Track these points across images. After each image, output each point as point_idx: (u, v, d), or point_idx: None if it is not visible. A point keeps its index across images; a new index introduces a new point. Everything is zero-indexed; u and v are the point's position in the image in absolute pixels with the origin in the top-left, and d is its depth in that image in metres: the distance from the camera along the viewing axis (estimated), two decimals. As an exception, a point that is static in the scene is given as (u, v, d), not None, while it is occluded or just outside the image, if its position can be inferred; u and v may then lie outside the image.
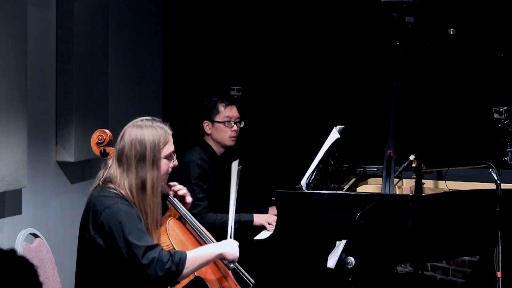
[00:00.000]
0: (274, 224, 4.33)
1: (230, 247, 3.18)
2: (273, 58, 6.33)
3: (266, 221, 4.38)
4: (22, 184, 4.03)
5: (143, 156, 3.08)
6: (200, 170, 4.32)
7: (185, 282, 3.09)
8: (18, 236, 3.35)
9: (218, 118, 4.42)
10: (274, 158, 6.34)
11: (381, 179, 4.32)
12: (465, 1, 5.31)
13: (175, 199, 3.34)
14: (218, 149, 4.47)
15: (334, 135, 4.16)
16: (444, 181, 4.44)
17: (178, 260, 2.98)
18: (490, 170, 3.98)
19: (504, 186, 3.99)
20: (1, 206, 4.02)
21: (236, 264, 3.30)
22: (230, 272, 3.31)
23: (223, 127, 4.42)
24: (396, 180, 4.42)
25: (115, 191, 3.07)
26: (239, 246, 3.24)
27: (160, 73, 6.01)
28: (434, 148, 4.89)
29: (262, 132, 6.25)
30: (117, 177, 3.09)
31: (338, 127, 4.23)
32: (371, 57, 5.84)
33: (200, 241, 3.29)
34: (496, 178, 3.94)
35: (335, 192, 4.04)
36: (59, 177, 4.62)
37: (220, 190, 4.47)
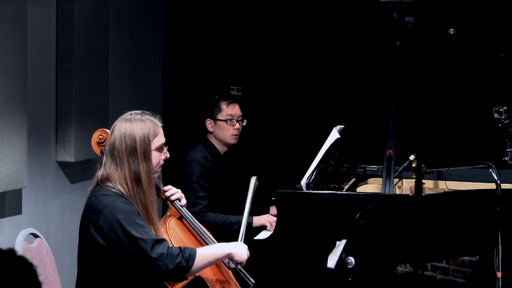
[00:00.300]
0: (273, 224, 4.33)
1: (239, 249, 3.20)
2: (273, 58, 6.33)
3: (267, 220, 4.38)
4: (22, 184, 4.03)
5: (134, 149, 3.09)
6: (202, 168, 4.32)
7: (185, 282, 3.09)
8: (18, 236, 3.35)
9: (220, 116, 4.41)
10: (274, 158, 6.34)
11: (381, 179, 4.32)
12: (465, 1, 5.31)
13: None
14: (221, 148, 4.46)
15: (334, 135, 4.16)
16: (444, 181, 4.44)
17: (188, 256, 3.00)
18: (490, 170, 3.98)
19: (504, 186, 3.99)
20: (1, 206, 4.02)
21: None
22: (230, 272, 3.32)
23: (226, 125, 4.41)
24: (396, 180, 4.42)
25: (114, 190, 3.08)
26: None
27: (160, 73, 6.01)
28: (434, 148, 4.89)
29: (262, 132, 6.24)
30: (113, 172, 3.10)
31: (338, 127, 4.23)
32: (371, 57, 5.84)
33: (201, 241, 3.29)
34: (496, 178, 3.94)
35: (335, 192, 4.04)
36: (59, 177, 4.62)
37: (223, 188, 4.47)
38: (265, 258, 3.95)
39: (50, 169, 4.53)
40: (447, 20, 4.77)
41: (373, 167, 4.79)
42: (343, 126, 4.29)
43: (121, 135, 3.11)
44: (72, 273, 3.25)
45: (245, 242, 3.77)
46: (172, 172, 3.34)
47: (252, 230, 4.33)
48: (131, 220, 2.99)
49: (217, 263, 3.27)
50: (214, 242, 3.31)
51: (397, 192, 4.43)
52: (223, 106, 4.42)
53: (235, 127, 4.42)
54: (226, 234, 4.20)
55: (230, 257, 3.18)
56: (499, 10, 5.21)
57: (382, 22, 4.95)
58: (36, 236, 3.49)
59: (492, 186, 3.97)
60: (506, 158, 4.33)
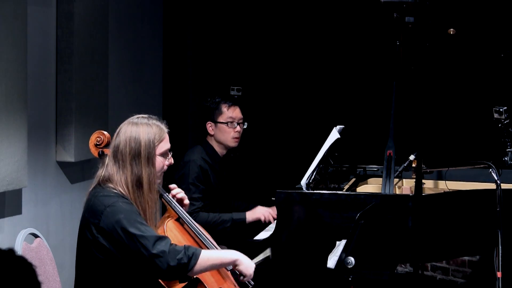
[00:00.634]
0: (270, 217, 4.33)
1: (247, 260, 3.16)
2: (273, 58, 6.33)
3: (261, 213, 4.36)
4: (22, 184, 4.03)
5: (138, 153, 3.09)
6: (199, 170, 4.31)
7: (184, 283, 3.09)
8: (18, 236, 3.35)
9: (221, 119, 4.40)
10: (274, 158, 6.34)
11: (381, 179, 4.32)
12: (465, 1, 5.31)
13: (173, 199, 3.34)
14: (220, 150, 4.45)
15: (334, 135, 4.16)
16: (444, 181, 4.44)
17: (191, 254, 2.98)
18: (490, 170, 3.98)
19: (504, 186, 3.99)
20: (1, 206, 4.02)
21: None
22: (229, 273, 3.31)
23: (226, 128, 4.40)
24: (396, 180, 4.42)
25: (115, 190, 3.08)
26: (239, 246, 3.24)
27: (160, 73, 6.01)
28: (434, 148, 4.89)
29: (262, 132, 6.24)
30: (114, 174, 3.09)
31: (338, 127, 4.23)
32: (371, 57, 5.84)
33: (199, 242, 3.29)
34: (496, 178, 3.94)
35: (335, 192, 4.04)
36: (59, 177, 4.62)
37: (221, 190, 4.46)
38: (265, 258, 3.95)
39: (50, 169, 4.53)
40: (447, 20, 4.77)
41: (373, 167, 4.79)
42: (343, 126, 4.29)
43: (127, 138, 3.10)
44: (72, 273, 3.25)
45: (245, 242, 3.78)
46: (170, 173, 3.34)
47: (252, 230, 4.32)
48: (132, 219, 2.99)
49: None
50: (213, 243, 3.31)
51: (397, 192, 4.43)
52: (224, 108, 4.41)
53: (235, 130, 4.41)
54: (220, 233, 4.20)
55: (235, 264, 3.14)
56: (499, 10, 5.21)
57: (382, 22, 4.95)
58: (36, 236, 3.49)
59: (492, 186, 3.97)
60: (506, 158, 4.32)
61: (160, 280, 3.07)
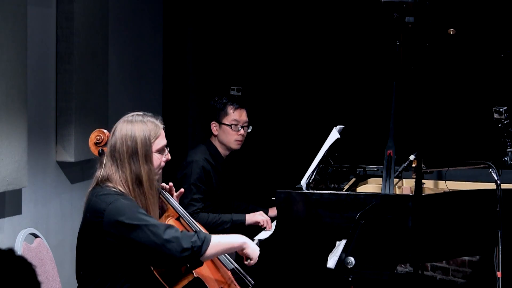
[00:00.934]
0: (269, 223, 4.33)
1: (253, 244, 3.19)
2: (273, 58, 6.33)
3: (261, 219, 4.34)
4: (22, 184, 4.03)
5: (135, 151, 3.09)
6: (202, 171, 4.30)
7: (184, 282, 3.09)
8: (18, 236, 3.35)
9: (225, 120, 4.39)
10: (274, 158, 6.34)
11: (381, 179, 4.32)
12: (465, 1, 5.31)
13: (172, 197, 3.34)
14: (223, 151, 4.44)
15: (334, 135, 4.16)
16: (444, 181, 4.44)
17: (204, 238, 2.99)
18: (490, 170, 3.98)
19: (504, 186, 3.99)
20: (1, 206, 4.02)
21: (235, 264, 3.30)
22: (229, 272, 3.31)
23: (230, 130, 4.38)
24: (396, 180, 4.42)
25: (114, 189, 3.07)
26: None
27: (160, 73, 6.01)
28: (434, 148, 4.89)
29: (262, 132, 6.24)
30: (113, 173, 3.09)
31: (338, 127, 4.23)
32: (371, 57, 5.84)
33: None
34: (496, 178, 3.94)
35: (335, 192, 4.04)
36: (59, 177, 4.62)
37: (223, 191, 4.46)
38: (265, 258, 3.95)
39: (50, 169, 4.53)
40: (447, 20, 4.77)
41: (373, 167, 4.79)
42: (343, 126, 4.28)
43: (122, 136, 3.10)
44: (72, 273, 3.25)
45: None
46: (172, 172, 3.34)
47: (252, 230, 4.32)
48: (135, 212, 2.99)
49: (216, 264, 3.27)
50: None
51: (397, 192, 4.43)
52: (230, 110, 4.39)
53: (239, 133, 4.39)
54: (219, 232, 4.20)
55: (243, 247, 3.15)
56: (499, 10, 5.21)
57: (382, 22, 4.95)
58: (36, 236, 3.49)
59: (492, 186, 3.97)
60: (506, 158, 4.32)
61: (160, 280, 3.07)
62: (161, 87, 6.03)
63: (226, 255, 3.28)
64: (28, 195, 4.25)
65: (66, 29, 4.55)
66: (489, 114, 4.35)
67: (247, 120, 4.43)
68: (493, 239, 3.86)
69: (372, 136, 5.14)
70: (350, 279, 3.30)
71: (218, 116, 4.40)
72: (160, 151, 3.17)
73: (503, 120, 4.27)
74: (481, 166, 4.16)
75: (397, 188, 4.47)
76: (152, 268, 3.05)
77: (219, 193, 4.41)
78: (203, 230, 3.35)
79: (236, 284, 3.33)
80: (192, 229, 3.28)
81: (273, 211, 4.49)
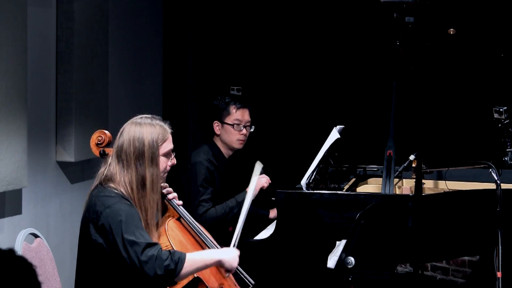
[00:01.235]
0: (267, 182, 4.32)
1: (229, 255, 3.14)
2: (273, 58, 6.33)
3: (261, 183, 4.31)
4: (22, 184, 4.03)
5: (142, 153, 3.09)
6: (207, 171, 4.29)
7: (184, 282, 3.09)
8: (18, 236, 3.35)
9: (228, 120, 4.38)
10: (274, 158, 6.34)
11: (381, 179, 4.32)
12: (465, 1, 5.31)
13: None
14: (225, 151, 4.43)
15: (334, 135, 4.16)
16: (444, 181, 4.44)
17: (177, 259, 2.97)
18: (490, 170, 3.98)
19: (504, 186, 3.99)
20: (1, 206, 4.02)
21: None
22: (229, 272, 3.31)
23: (232, 129, 4.38)
24: (396, 180, 4.42)
25: (116, 191, 3.07)
26: (239, 246, 3.23)
27: (160, 73, 6.01)
28: (434, 148, 4.89)
29: (262, 132, 6.24)
30: (117, 174, 3.09)
31: (338, 127, 4.23)
32: (371, 57, 5.84)
33: (200, 242, 3.29)
34: (496, 178, 3.94)
35: (335, 192, 4.04)
36: (59, 177, 4.62)
37: (225, 192, 4.45)
38: (265, 258, 3.95)
39: (50, 169, 4.53)
40: (447, 20, 4.77)
41: (373, 167, 4.79)
42: (343, 126, 4.28)
43: (130, 138, 3.10)
44: (72, 273, 3.25)
45: (245, 242, 3.77)
46: (172, 173, 3.33)
47: (252, 230, 4.32)
48: (130, 223, 2.99)
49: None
50: (213, 242, 3.31)
51: (397, 192, 4.43)
52: (232, 110, 4.38)
53: (241, 133, 4.39)
54: (229, 222, 4.21)
55: (219, 264, 3.13)
56: (499, 10, 5.21)
57: (382, 22, 4.95)
58: (36, 236, 3.49)
59: (492, 186, 3.97)
60: (506, 158, 4.33)
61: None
62: (161, 87, 6.03)
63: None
64: (28, 195, 4.25)
65: (66, 29, 4.55)
66: (489, 114, 4.35)
67: (250, 119, 4.43)
68: (493, 239, 3.86)
69: (372, 136, 5.14)
70: (350, 279, 3.30)
71: (221, 115, 4.39)
72: (167, 155, 3.17)
73: (503, 120, 4.27)
74: (481, 166, 4.16)
75: (397, 188, 4.47)
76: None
77: (221, 193, 4.41)
78: (205, 232, 3.35)
79: (236, 284, 3.33)
80: (194, 231, 3.29)
81: (274, 212, 4.48)
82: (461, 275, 5.66)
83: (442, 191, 4.34)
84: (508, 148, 4.33)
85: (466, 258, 5.57)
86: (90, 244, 3.05)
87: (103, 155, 3.27)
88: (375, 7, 4.66)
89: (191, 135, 6.19)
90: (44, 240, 3.51)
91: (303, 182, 4.00)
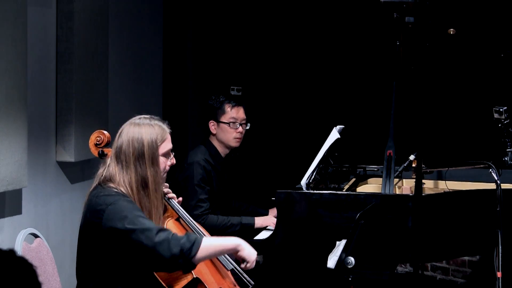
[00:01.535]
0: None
1: (249, 246, 3.13)
2: (273, 58, 6.34)
3: (271, 222, 4.35)
4: (22, 184, 4.03)
5: (141, 154, 3.09)
6: (204, 171, 4.30)
7: (183, 283, 3.09)
8: (18, 236, 3.35)
9: (223, 118, 4.40)
10: (274, 158, 6.34)
11: (381, 179, 4.32)
12: (465, 1, 5.31)
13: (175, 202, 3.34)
14: (222, 150, 4.44)
15: (334, 135, 4.16)
16: (444, 181, 4.44)
17: (193, 240, 2.95)
18: (490, 170, 3.98)
19: (504, 186, 3.99)
20: (1, 206, 4.02)
21: (235, 264, 3.29)
22: (229, 272, 3.31)
23: (228, 128, 4.39)
24: (396, 180, 4.42)
25: (116, 190, 3.08)
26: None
27: (160, 73, 6.01)
28: (434, 148, 4.89)
29: (262, 132, 6.25)
30: (116, 174, 3.09)
31: (338, 127, 4.23)
32: (371, 57, 5.84)
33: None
34: (496, 178, 3.94)
35: (335, 192, 4.04)
36: (59, 177, 4.62)
37: (223, 191, 4.46)
38: (265, 258, 3.95)
39: (50, 169, 4.53)
40: (447, 20, 4.77)
41: (373, 167, 4.79)
42: (343, 126, 4.29)
43: (129, 138, 3.11)
44: (72, 273, 3.25)
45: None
46: (171, 173, 3.34)
47: (252, 230, 4.32)
48: (134, 215, 2.98)
49: (215, 264, 3.26)
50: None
51: (397, 192, 4.43)
52: (227, 108, 4.40)
53: (237, 131, 4.40)
54: (228, 234, 4.19)
55: (237, 249, 3.09)
56: (499, 10, 5.21)
57: (382, 22, 4.95)
58: (36, 236, 3.49)
59: (492, 186, 3.97)
60: (506, 158, 4.33)
61: (160, 280, 3.07)
62: (161, 87, 6.03)
63: (226, 255, 3.27)
64: (28, 195, 4.25)
65: (66, 29, 4.55)
66: (489, 114, 4.35)
67: (245, 117, 4.44)
68: (493, 239, 3.86)
69: (372, 136, 5.14)
70: (350, 279, 3.30)
71: (216, 114, 4.41)
72: (166, 154, 3.17)
73: (503, 120, 4.27)
74: (481, 166, 4.16)
75: (397, 188, 4.47)
76: (151, 268, 3.06)
77: (218, 193, 4.41)
78: (205, 232, 3.35)
79: (236, 284, 3.32)
80: (194, 231, 3.28)
81: (273, 212, 4.49)
82: (461, 275, 5.66)
83: (442, 191, 4.34)
84: (508, 148, 4.33)
85: (466, 258, 5.57)
86: (93, 244, 3.05)
87: (102, 155, 3.27)
88: (375, 7, 4.66)
89: (191, 135, 6.19)
90: (44, 240, 3.51)
91: (303, 182, 4.00)
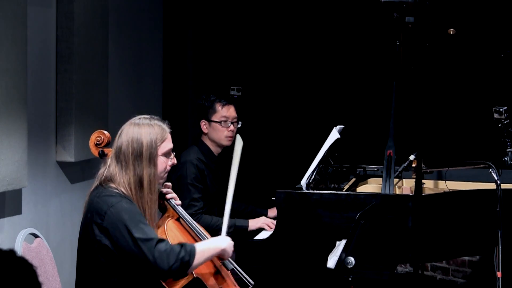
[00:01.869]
0: (271, 226, 4.32)
1: (229, 245, 3.21)
2: (273, 58, 6.33)
3: (264, 223, 4.36)
4: (22, 184, 4.03)
5: (140, 154, 3.10)
6: (196, 170, 4.31)
7: (183, 283, 3.09)
8: (18, 236, 3.35)
9: (215, 117, 4.41)
10: (274, 158, 6.34)
11: (381, 179, 4.32)
12: (465, 1, 5.31)
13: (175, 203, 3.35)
14: (215, 149, 4.45)
15: (334, 135, 4.16)
16: (444, 181, 4.44)
17: (190, 251, 3.00)
18: (490, 170, 3.98)
19: (504, 186, 3.99)
20: (1, 206, 4.02)
21: (235, 264, 3.30)
22: (229, 272, 3.31)
23: (220, 127, 4.40)
24: (396, 180, 4.42)
25: (116, 190, 3.08)
26: (238, 246, 3.25)
27: (160, 73, 6.01)
28: (434, 148, 4.89)
29: (262, 132, 6.25)
30: (116, 174, 3.10)
31: (338, 127, 4.23)
32: (371, 57, 5.84)
33: (198, 242, 3.29)
34: (496, 178, 3.94)
35: (335, 192, 4.04)
36: (59, 177, 4.62)
37: (218, 189, 4.46)
38: (265, 258, 3.95)
39: (50, 169, 4.53)
40: (447, 20, 4.77)
41: (373, 167, 4.79)
42: (343, 126, 4.29)
43: (129, 139, 3.11)
44: (72, 273, 3.25)
45: (245, 242, 3.78)
46: (169, 174, 3.34)
47: (252, 230, 4.32)
48: (135, 220, 3.00)
49: (215, 264, 3.27)
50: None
51: (397, 192, 4.43)
52: (218, 107, 4.41)
53: (229, 129, 4.41)
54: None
55: (222, 253, 3.18)
56: (499, 10, 5.21)
57: (382, 22, 4.95)
58: (36, 236, 3.49)
59: (492, 186, 3.97)
60: (506, 158, 4.33)
61: (159, 280, 3.07)
62: (161, 87, 6.03)
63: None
64: (28, 195, 4.25)
65: (66, 29, 4.55)
66: (489, 114, 4.35)
67: (236, 115, 4.45)
68: (493, 239, 3.86)
69: (372, 136, 5.14)
70: (350, 279, 3.30)
71: (207, 114, 4.42)
72: (166, 154, 3.17)
73: (503, 120, 4.27)
74: (481, 166, 4.16)
75: (397, 188, 4.47)
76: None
77: (213, 192, 4.41)
78: (205, 232, 3.35)
79: (236, 284, 3.33)
80: (194, 232, 3.29)
81: (273, 212, 4.49)
82: (461, 275, 5.66)
83: (442, 191, 4.34)
84: (508, 148, 4.33)
85: (466, 258, 5.57)
86: (93, 245, 3.05)
87: (102, 155, 3.27)
88: (375, 7, 4.66)
89: (191, 135, 6.19)
90: (44, 240, 3.51)
91: (303, 182, 4.00)
